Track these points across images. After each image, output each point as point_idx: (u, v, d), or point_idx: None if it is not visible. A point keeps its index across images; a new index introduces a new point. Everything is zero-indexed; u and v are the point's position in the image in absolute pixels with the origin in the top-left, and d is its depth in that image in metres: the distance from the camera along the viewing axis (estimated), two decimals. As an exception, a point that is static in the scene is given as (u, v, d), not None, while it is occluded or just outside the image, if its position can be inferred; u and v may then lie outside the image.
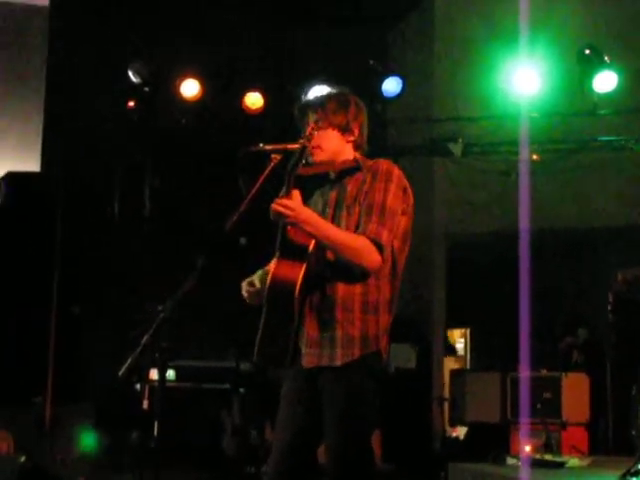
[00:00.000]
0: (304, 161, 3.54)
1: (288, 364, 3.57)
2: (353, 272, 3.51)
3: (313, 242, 3.50)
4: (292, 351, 3.54)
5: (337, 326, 3.51)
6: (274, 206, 3.43)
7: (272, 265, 3.61)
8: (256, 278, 3.71)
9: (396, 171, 3.63)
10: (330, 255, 3.54)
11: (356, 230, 3.53)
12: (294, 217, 3.43)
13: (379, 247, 3.48)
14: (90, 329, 6.99)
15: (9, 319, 6.50)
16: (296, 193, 3.47)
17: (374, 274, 3.54)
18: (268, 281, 3.53)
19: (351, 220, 3.57)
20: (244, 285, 3.75)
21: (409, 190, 3.65)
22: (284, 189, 3.46)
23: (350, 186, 3.63)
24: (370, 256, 3.47)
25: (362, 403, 3.52)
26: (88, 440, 5.27)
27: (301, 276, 3.48)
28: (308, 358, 3.55)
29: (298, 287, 3.46)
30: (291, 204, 3.43)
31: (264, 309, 3.54)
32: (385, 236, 3.50)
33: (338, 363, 3.50)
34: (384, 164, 3.65)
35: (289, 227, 3.49)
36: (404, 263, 3.67)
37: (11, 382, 6.27)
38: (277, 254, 3.56)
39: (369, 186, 3.58)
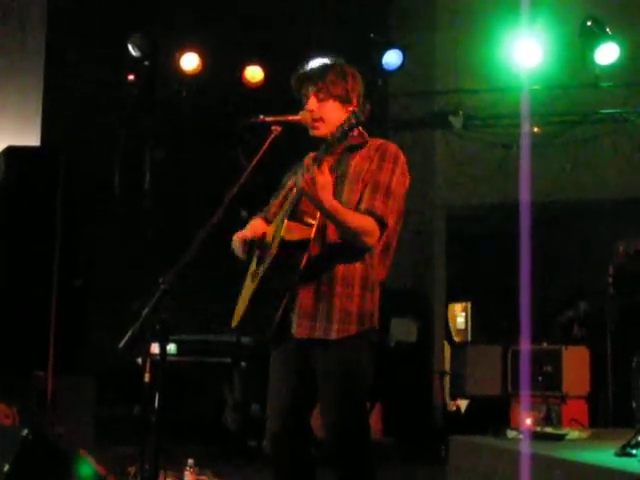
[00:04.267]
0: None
1: (273, 332, 3.58)
2: (354, 248, 3.53)
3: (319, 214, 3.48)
4: (280, 319, 3.55)
5: (335, 300, 3.52)
6: (306, 177, 3.35)
7: (274, 228, 3.58)
8: (252, 235, 3.69)
9: (402, 157, 3.67)
10: (332, 232, 3.53)
11: (358, 205, 3.54)
12: (315, 198, 3.37)
13: (382, 224, 3.51)
14: (91, 302, 6.99)
15: (10, 293, 6.50)
16: (327, 175, 3.38)
17: (369, 251, 3.56)
18: (275, 244, 3.47)
19: (352, 196, 3.57)
20: (240, 243, 3.72)
21: (408, 176, 3.69)
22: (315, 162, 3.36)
23: (354, 161, 3.64)
24: (373, 234, 3.50)
25: (358, 378, 3.56)
26: (85, 470, 5.25)
27: (311, 240, 3.46)
28: (299, 329, 3.56)
29: (306, 255, 3.46)
30: (320, 181, 3.35)
31: (263, 273, 3.51)
32: (388, 215, 3.54)
33: (333, 337, 3.50)
34: (393, 147, 3.69)
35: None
36: (396, 243, 3.70)
37: (12, 354, 6.29)
38: (287, 214, 3.50)
39: (376, 165, 3.61)
